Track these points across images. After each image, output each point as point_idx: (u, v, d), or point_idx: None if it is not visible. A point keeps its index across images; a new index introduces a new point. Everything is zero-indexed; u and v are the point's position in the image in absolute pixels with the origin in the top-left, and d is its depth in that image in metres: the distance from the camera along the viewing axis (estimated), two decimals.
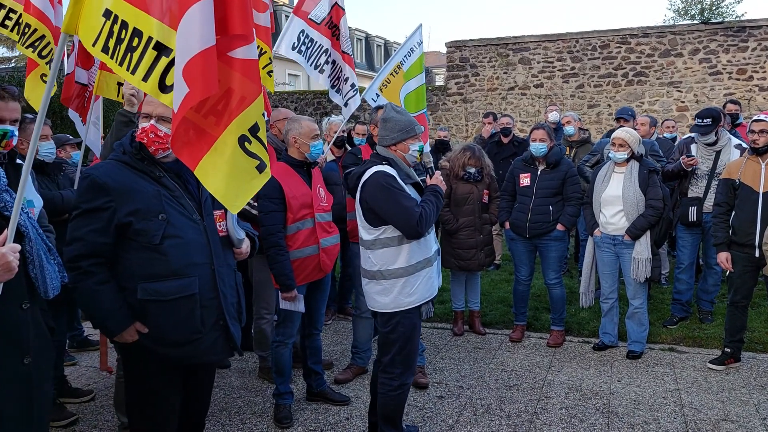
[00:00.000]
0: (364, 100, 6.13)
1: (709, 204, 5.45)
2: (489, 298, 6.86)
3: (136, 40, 2.22)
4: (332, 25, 5.56)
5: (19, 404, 2.03)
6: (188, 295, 2.55)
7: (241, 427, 4.04)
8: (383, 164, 3.33)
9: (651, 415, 4.10)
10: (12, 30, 4.45)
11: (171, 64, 2.22)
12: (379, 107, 4.79)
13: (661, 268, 5.32)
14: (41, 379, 2.13)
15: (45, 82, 4.52)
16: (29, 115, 4.36)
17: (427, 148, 6.18)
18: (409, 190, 3.33)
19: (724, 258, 4.73)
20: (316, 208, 3.96)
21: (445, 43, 15.88)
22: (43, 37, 4.43)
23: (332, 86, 5.66)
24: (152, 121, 2.57)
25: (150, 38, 2.22)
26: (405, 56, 6.16)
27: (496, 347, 5.47)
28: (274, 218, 3.80)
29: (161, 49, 2.23)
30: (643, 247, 5.01)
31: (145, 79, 2.23)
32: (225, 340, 2.72)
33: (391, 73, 6.18)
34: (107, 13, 2.23)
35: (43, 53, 4.50)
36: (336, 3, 5.58)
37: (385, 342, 3.43)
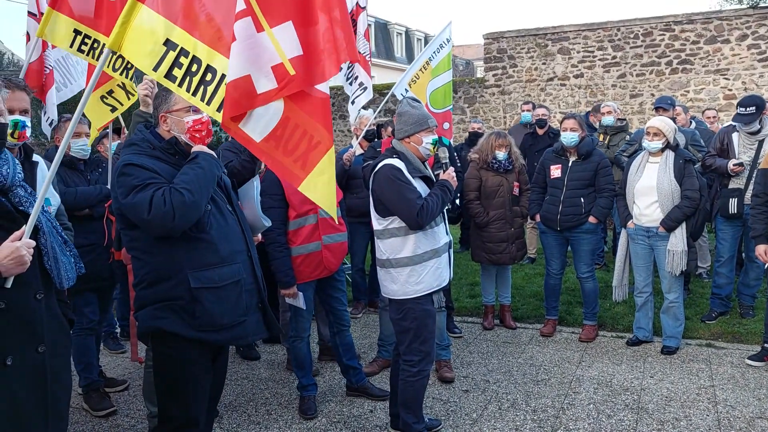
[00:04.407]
0: (393, 95, 6.13)
1: (750, 195, 5.25)
2: (522, 292, 6.78)
3: (209, 75, 2.52)
4: (354, 24, 5.62)
5: (33, 392, 2.09)
6: (236, 281, 2.69)
7: (266, 417, 4.10)
8: (394, 157, 3.42)
9: (682, 412, 3.99)
10: (88, 54, 4.55)
11: None
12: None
13: (697, 260, 5.15)
14: (57, 368, 2.19)
15: (106, 104, 4.64)
16: (67, 114, 4.50)
17: (449, 144, 6.17)
18: (418, 183, 3.40)
19: (762, 251, 4.56)
20: None
21: (483, 35, 15.70)
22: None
23: (349, 82, 5.74)
24: (202, 115, 2.73)
25: (223, 75, 2.52)
26: (434, 52, 6.15)
27: (526, 342, 5.40)
28: (273, 215, 3.81)
29: None
30: (678, 239, 4.86)
31: (219, 110, 2.54)
32: (264, 321, 2.87)
33: (420, 69, 6.19)
34: (170, 44, 2.47)
35: (116, 65, 4.58)
36: (357, 2, 5.62)
37: (400, 330, 3.50)
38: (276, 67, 2.54)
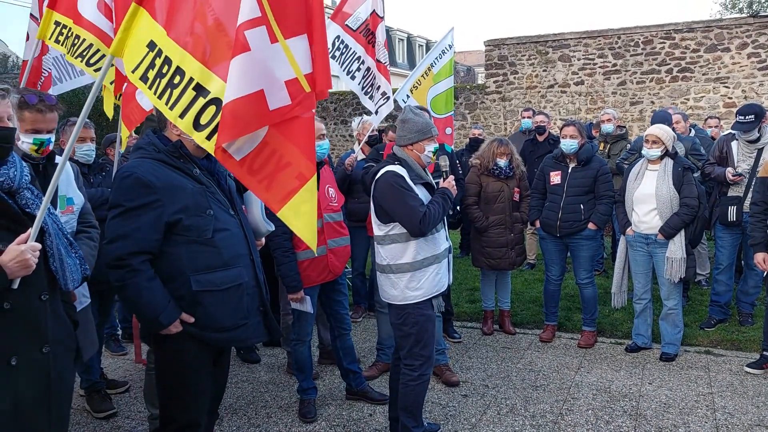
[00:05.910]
0: (395, 101, 6.16)
1: (749, 203, 5.27)
2: (521, 297, 6.80)
3: (177, 77, 2.41)
4: (368, 33, 5.62)
5: (36, 392, 2.11)
6: (238, 284, 2.71)
7: (266, 420, 4.11)
8: (395, 164, 3.45)
9: (681, 419, 4.01)
10: (62, 45, 4.56)
11: (207, 105, 2.41)
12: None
13: (695, 268, 5.18)
14: (60, 368, 2.21)
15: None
16: (73, 118, 4.52)
17: (448, 152, 6.21)
18: (419, 190, 3.43)
19: (761, 259, 4.59)
20: (325, 209, 3.99)
21: (484, 42, 15.77)
22: (91, 45, 4.52)
23: (365, 93, 5.70)
24: None
25: (191, 79, 2.40)
26: (436, 59, 6.20)
27: (525, 347, 5.42)
28: (280, 220, 3.84)
29: (200, 90, 2.41)
30: (677, 247, 4.88)
31: (182, 116, 2.43)
32: (264, 324, 2.89)
33: (422, 75, 6.24)
34: (151, 45, 2.40)
35: (91, 61, 4.59)
36: (374, 11, 5.62)
37: (401, 335, 3.52)
38: (290, 82, 2.43)
